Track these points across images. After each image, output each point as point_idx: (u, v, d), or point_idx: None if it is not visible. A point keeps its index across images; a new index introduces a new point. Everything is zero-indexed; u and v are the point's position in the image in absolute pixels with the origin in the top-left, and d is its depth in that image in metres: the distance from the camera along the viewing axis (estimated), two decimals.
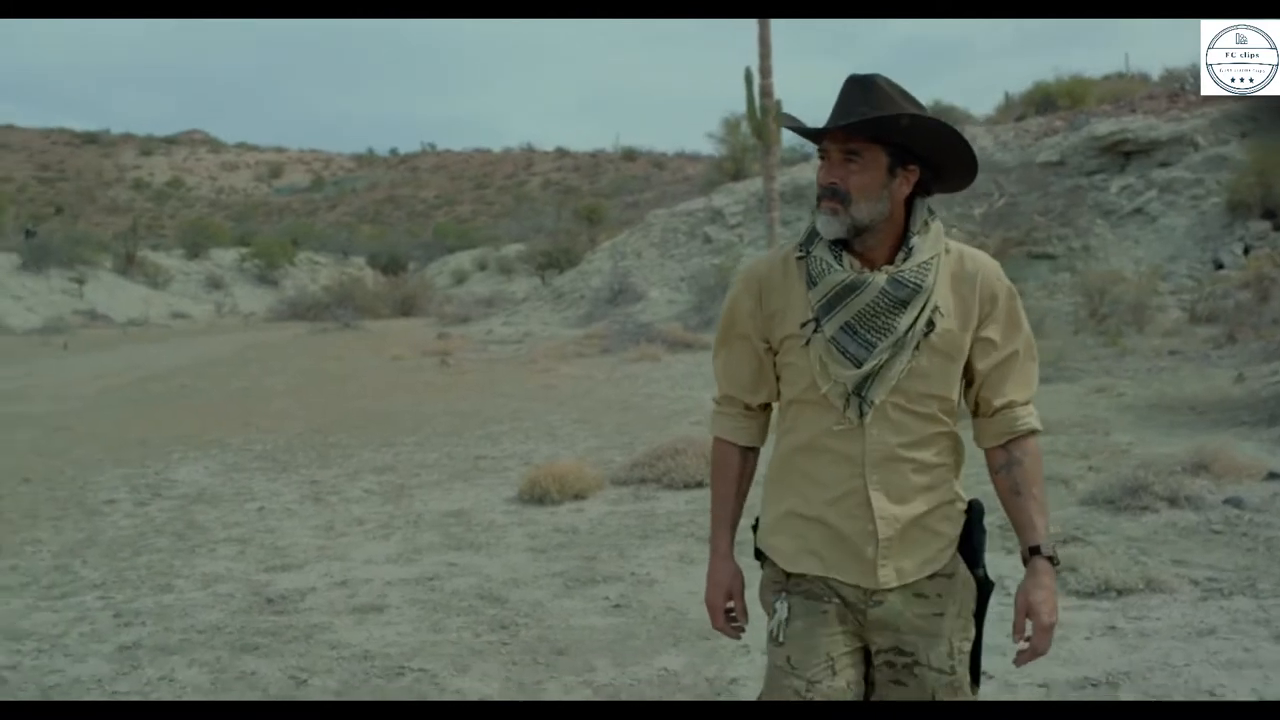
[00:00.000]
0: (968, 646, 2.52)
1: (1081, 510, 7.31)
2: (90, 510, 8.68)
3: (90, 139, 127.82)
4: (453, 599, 6.15)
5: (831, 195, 2.41)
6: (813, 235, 2.50)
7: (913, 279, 2.41)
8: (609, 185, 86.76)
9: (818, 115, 2.47)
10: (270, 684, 4.96)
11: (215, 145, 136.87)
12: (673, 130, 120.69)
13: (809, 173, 30.12)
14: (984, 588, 2.56)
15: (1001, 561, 6.42)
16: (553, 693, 4.76)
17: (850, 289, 2.42)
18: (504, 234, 65.35)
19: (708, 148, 41.46)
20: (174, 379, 19.85)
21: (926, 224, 2.48)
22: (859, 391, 2.43)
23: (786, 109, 27.35)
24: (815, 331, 2.46)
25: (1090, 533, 6.75)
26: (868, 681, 2.54)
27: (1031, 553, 2.49)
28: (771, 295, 2.55)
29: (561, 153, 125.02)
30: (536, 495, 8.39)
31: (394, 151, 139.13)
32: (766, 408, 2.69)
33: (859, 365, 2.41)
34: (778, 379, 2.60)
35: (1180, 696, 4.36)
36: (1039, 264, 22.77)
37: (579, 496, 8.47)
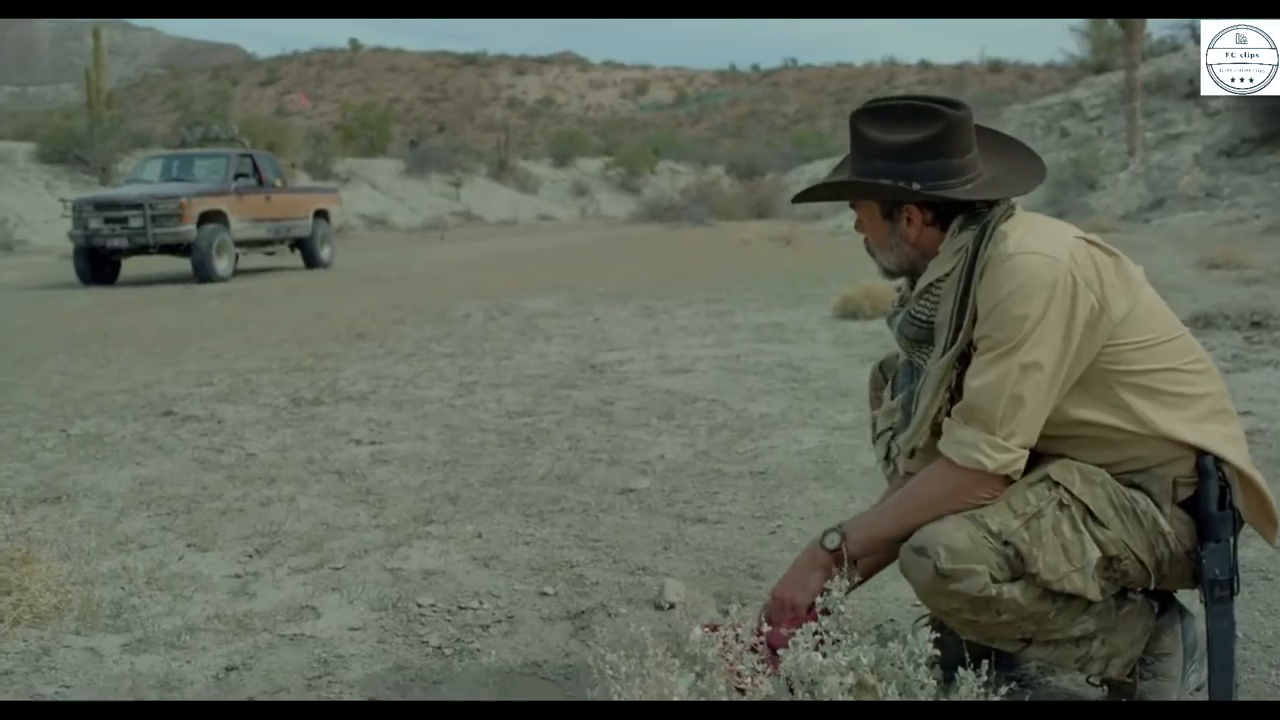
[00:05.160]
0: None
1: None
2: (448, 320, 9.70)
3: (469, 60, 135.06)
4: (754, 366, 6.68)
5: (867, 246, 2.31)
6: None
7: (922, 315, 2.17)
8: (973, 99, 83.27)
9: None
10: (581, 403, 5.64)
11: (584, 65, 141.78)
12: (1043, 40, 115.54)
13: (1176, 63, 28.57)
14: (1205, 576, 2.01)
15: None
16: (824, 415, 5.19)
17: (889, 324, 2.34)
18: None
19: (1077, 52, 39.49)
20: (536, 255, 21.25)
21: (953, 237, 2.14)
22: (889, 431, 2.31)
23: None
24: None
25: None
26: None
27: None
28: None
29: (925, 66, 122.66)
30: (849, 310, 8.77)
31: (755, 67, 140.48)
32: None
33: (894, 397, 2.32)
34: None
35: None
36: None
37: None
